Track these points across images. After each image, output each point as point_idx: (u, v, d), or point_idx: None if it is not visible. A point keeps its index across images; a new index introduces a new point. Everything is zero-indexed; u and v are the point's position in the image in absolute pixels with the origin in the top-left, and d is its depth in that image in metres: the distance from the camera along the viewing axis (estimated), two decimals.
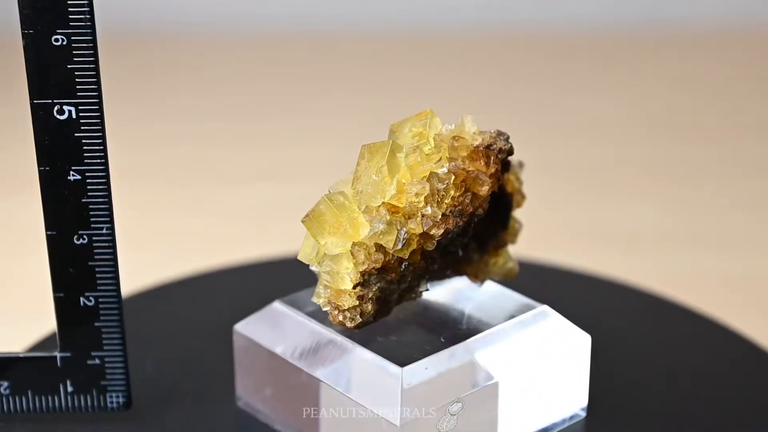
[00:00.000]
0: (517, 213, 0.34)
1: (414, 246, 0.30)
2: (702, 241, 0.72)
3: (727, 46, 1.19)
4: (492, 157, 0.30)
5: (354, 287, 0.30)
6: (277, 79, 1.09)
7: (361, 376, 0.31)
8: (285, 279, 0.38)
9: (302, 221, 0.30)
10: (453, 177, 0.30)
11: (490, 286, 0.35)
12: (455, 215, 0.30)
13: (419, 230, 0.30)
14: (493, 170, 0.30)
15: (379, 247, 0.30)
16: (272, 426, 0.34)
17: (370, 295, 0.30)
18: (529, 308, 0.33)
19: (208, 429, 0.34)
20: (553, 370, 0.33)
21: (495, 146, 0.30)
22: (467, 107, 0.99)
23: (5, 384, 0.34)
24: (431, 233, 0.30)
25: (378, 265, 0.30)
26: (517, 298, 0.34)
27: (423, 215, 0.30)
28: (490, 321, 0.33)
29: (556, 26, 1.23)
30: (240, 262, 0.47)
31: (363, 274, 0.30)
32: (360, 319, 0.31)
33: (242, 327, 0.35)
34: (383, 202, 0.30)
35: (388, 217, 0.30)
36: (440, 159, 0.30)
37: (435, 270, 0.32)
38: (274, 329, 0.34)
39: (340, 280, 0.30)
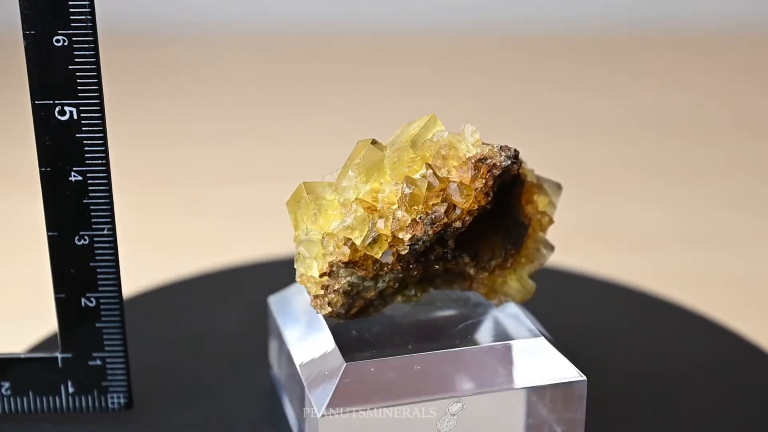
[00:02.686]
0: None
1: (385, 247, 0.30)
2: (702, 241, 0.72)
3: (727, 46, 1.19)
4: (481, 171, 0.29)
5: (321, 276, 0.30)
6: (277, 79, 1.09)
7: (321, 365, 0.31)
8: (287, 279, 0.38)
9: (286, 204, 0.31)
10: (427, 184, 0.29)
11: (506, 306, 0.33)
12: (425, 223, 0.29)
13: (387, 231, 0.29)
14: (480, 185, 0.29)
15: (348, 241, 0.30)
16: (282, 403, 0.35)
17: (337, 287, 0.30)
18: (525, 336, 0.32)
19: (208, 430, 0.34)
20: (533, 408, 0.31)
21: (489, 161, 0.30)
22: (469, 107, 0.99)
23: (6, 384, 0.34)
24: (399, 237, 0.30)
25: (345, 259, 0.30)
26: (522, 324, 0.33)
27: (395, 217, 0.30)
28: (474, 340, 0.32)
29: (556, 26, 1.23)
30: (241, 263, 0.47)
31: (331, 264, 0.30)
32: (329, 309, 0.31)
33: (272, 300, 0.36)
34: (357, 198, 0.30)
35: (360, 213, 0.30)
36: (414, 164, 0.30)
37: (415, 276, 0.31)
38: (291, 308, 0.34)
39: (308, 266, 0.31)
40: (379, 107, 0.99)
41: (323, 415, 0.29)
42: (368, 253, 0.30)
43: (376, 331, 0.32)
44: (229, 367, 0.38)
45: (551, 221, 0.32)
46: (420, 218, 0.29)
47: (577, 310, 0.39)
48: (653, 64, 1.14)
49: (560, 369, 0.31)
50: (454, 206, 0.30)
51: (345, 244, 0.30)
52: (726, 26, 1.23)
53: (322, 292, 0.31)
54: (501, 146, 0.30)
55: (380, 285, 0.31)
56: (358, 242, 0.30)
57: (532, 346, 0.32)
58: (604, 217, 0.75)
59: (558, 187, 0.33)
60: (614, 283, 0.45)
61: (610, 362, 0.37)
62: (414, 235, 0.29)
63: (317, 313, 0.31)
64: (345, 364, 0.30)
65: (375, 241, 0.30)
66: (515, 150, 0.30)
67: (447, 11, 1.25)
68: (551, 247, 0.33)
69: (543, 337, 0.32)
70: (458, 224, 0.30)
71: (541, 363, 0.31)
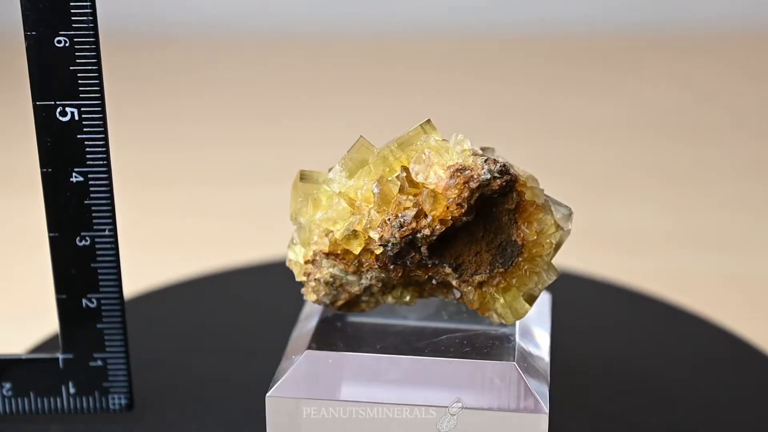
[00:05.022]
0: None
1: (362, 244, 0.30)
2: (702, 241, 0.72)
3: (727, 46, 1.19)
4: (457, 180, 0.29)
5: (305, 263, 0.31)
6: (279, 80, 1.09)
7: (294, 350, 0.32)
8: (288, 281, 0.38)
9: (291, 190, 0.31)
10: (399, 186, 0.29)
11: (520, 322, 0.32)
12: (393, 225, 0.29)
13: (360, 228, 0.30)
14: (453, 195, 0.29)
15: (329, 233, 0.30)
16: None
17: (318, 276, 0.31)
18: (501, 358, 0.30)
19: (210, 430, 0.34)
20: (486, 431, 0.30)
21: (468, 172, 0.29)
22: (470, 108, 0.99)
23: (7, 385, 0.34)
24: (370, 235, 0.30)
25: (325, 249, 0.30)
26: (511, 344, 0.31)
27: (369, 216, 0.30)
28: (448, 353, 0.31)
29: (555, 27, 1.23)
30: (243, 264, 0.47)
31: (315, 253, 0.30)
32: (314, 296, 0.31)
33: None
34: (340, 192, 0.30)
35: (342, 207, 0.30)
36: (395, 166, 0.30)
37: (396, 278, 0.31)
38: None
39: (296, 252, 0.31)
40: (384, 109, 0.99)
41: (270, 396, 0.30)
42: (346, 247, 0.30)
43: (360, 328, 0.32)
44: (231, 367, 0.38)
45: (552, 245, 0.31)
46: (388, 220, 0.29)
47: (576, 311, 0.39)
48: (653, 65, 1.14)
49: (523, 398, 0.30)
50: (424, 213, 0.29)
51: (326, 235, 0.30)
52: (726, 27, 1.23)
53: (304, 278, 0.31)
54: (487, 159, 0.29)
55: (364, 281, 0.31)
56: (337, 235, 0.30)
57: (503, 369, 0.30)
58: (603, 218, 0.75)
59: (568, 211, 0.31)
60: (613, 284, 0.45)
61: (608, 363, 0.37)
62: (382, 235, 0.29)
63: (304, 299, 0.32)
64: (306, 351, 0.31)
65: (355, 236, 0.30)
66: (502, 165, 0.29)
67: (449, 13, 1.25)
68: (555, 272, 0.31)
69: (515, 363, 0.30)
70: (427, 231, 0.29)
71: (504, 388, 0.30)
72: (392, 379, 0.30)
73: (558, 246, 0.31)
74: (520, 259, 0.31)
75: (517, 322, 0.32)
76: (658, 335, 0.40)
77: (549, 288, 0.34)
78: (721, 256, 0.69)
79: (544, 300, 0.36)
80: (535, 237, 0.30)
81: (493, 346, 0.31)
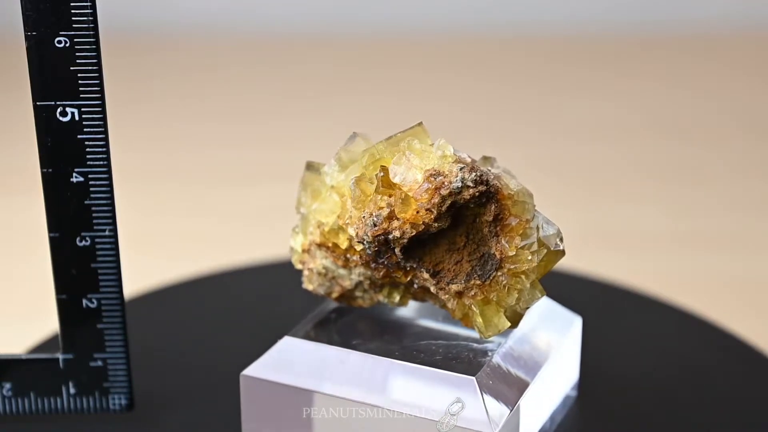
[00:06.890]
0: None
1: (347, 239, 0.30)
2: (702, 242, 0.72)
3: (727, 47, 1.19)
4: (429, 186, 0.29)
5: (302, 252, 0.32)
6: (279, 80, 1.09)
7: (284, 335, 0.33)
8: (289, 281, 0.38)
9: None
10: (375, 186, 0.29)
11: (513, 331, 0.32)
12: (367, 224, 0.29)
13: (342, 223, 0.30)
14: (424, 199, 0.29)
15: (321, 225, 0.31)
16: None
17: (312, 266, 0.32)
18: (465, 371, 0.30)
19: (210, 430, 0.34)
20: None
21: (440, 178, 0.29)
22: (468, 108, 0.99)
23: (7, 386, 0.34)
24: (348, 231, 0.30)
25: (317, 240, 0.31)
26: (487, 356, 0.30)
27: (350, 212, 0.30)
28: (418, 359, 0.30)
29: (557, 28, 1.23)
30: (243, 264, 0.47)
31: (310, 243, 0.31)
32: (311, 286, 0.32)
33: None
34: (333, 186, 0.31)
35: (334, 200, 0.30)
36: (373, 165, 0.30)
37: (380, 277, 0.31)
38: None
39: (295, 241, 0.32)
40: (384, 109, 0.99)
41: (244, 375, 0.31)
42: (334, 240, 0.31)
43: (356, 323, 0.33)
44: (230, 368, 0.38)
45: (533, 263, 0.29)
46: (363, 218, 0.29)
47: (575, 311, 0.39)
48: (653, 66, 1.14)
49: (474, 414, 0.29)
50: (396, 216, 0.29)
51: (318, 227, 0.31)
52: (726, 28, 1.23)
53: (301, 266, 0.32)
54: (464, 167, 0.29)
55: (354, 277, 0.31)
56: (326, 228, 0.31)
57: (460, 382, 0.29)
58: (604, 218, 0.75)
59: (556, 231, 0.30)
60: (613, 284, 0.45)
61: (607, 362, 0.37)
62: (357, 232, 0.29)
63: (302, 286, 0.32)
64: (285, 337, 0.32)
65: (342, 230, 0.30)
66: (479, 175, 0.29)
67: (449, 13, 1.25)
68: (541, 291, 0.30)
69: (475, 378, 0.29)
70: (397, 233, 0.29)
71: (465, 406, 0.29)
72: (361, 377, 0.31)
73: (547, 265, 0.30)
74: (499, 273, 0.30)
75: (522, 338, 0.32)
76: (657, 335, 0.40)
77: (547, 288, 0.34)
78: (721, 256, 0.69)
79: (573, 323, 0.35)
80: (514, 252, 0.29)
81: (465, 358, 0.30)
